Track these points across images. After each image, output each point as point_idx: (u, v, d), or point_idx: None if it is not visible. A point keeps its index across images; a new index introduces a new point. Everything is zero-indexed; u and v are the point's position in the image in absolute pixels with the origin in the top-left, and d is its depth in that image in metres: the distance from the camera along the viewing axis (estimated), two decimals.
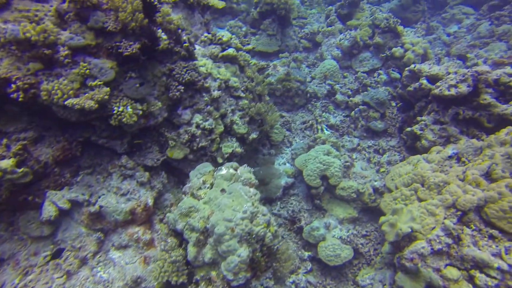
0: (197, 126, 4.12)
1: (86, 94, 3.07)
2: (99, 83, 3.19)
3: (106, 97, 3.17)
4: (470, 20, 10.57)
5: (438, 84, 5.31)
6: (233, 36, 4.66)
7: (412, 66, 5.88)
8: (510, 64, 6.97)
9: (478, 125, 4.92)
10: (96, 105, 3.05)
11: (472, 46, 8.81)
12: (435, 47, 9.32)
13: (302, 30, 8.31)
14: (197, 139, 4.12)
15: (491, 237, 3.61)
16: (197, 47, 4.47)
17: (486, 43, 8.57)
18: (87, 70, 3.12)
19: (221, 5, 5.01)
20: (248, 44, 4.92)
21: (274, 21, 7.28)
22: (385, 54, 7.06)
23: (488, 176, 4.04)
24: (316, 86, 6.78)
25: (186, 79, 3.91)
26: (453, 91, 4.91)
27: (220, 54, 4.44)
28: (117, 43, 3.32)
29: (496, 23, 9.39)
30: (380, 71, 7.08)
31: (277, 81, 6.37)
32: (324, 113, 6.46)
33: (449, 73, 5.44)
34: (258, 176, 5.47)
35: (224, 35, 4.56)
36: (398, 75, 6.76)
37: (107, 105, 3.32)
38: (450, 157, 4.66)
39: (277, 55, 7.48)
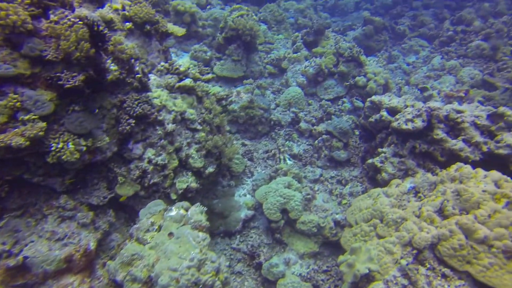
0: (149, 161, 3.89)
1: (16, 130, 2.78)
2: (33, 117, 2.91)
3: (41, 133, 2.90)
4: (425, 52, 11.19)
5: (397, 116, 5.44)
6: (192, 65, 4.52)
7: (374, 97, 6.02)
8: (458, 98, 7.34)
9: (433, 158, 5.05)
10: (27, 143, 2.77)
11: (427, 77, 9.27)
12: (396, 76, 9.72)
13: (268, 56, 8.36)
14: (149, 175, 3.88)
15: (444, 276, 3.61)
16: (152, 76, 4.29)
17: (439, 75, 9.04)
18: (18, 103, 2.84)
19: (181, 32, 4.90)
20: (208, 73, 4.80)
21: (240, 46, 7.26)
22: (349, 83, 7.22)
23: (441, 212, 4.09)
24: (280, 113, 6.76)
25: (138, 112, 3.71)
26: (410, 126, 5.03)
27: (177, 85, 4.29)
28: (58, 74, 3.07)
29: (446, 58, 9.98)
30: (344, 99, 7.21)
31: (240, 108, 6.28)
32: (287, 142, 6.42)
33: (406, 106, 5.60)
34: (217, 209, 5.27)
35: (182, 64, 4.42)
36: (361, 104, 6.91)
37: (44, 141, 3.04)
38: (408, 190, 4.71)
39: (242, 81, 7.43)
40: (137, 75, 3.80)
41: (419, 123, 4.97)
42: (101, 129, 3.50)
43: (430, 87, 8.31)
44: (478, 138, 4.80)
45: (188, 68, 4.44)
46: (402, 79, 9.58)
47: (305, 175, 5.88)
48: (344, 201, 5.57)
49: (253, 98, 6.44)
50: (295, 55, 7.97)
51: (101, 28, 3.34)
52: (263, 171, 5.96)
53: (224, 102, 6.30)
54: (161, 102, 4.05)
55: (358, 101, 6.91)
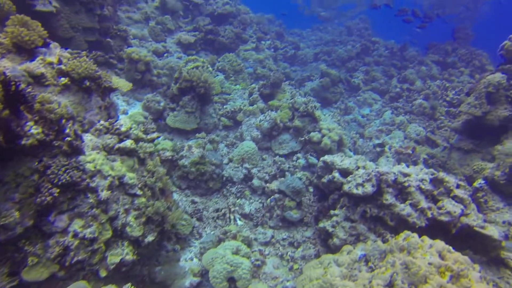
0: (75, 235, 3.44)
1: None
2: None
3: None
4: (378, 105, 11.88)
5: (348, 179, 5.46)
6: (134, 125, 4.25)
7: (326, 157, 6.06)
8: (407, 155, 7.67)
9: (383, 223, 5.05)
10: None
11: (380, 131, 9.70)
12: (351, 129, 10.07)
13: (224, 107, 8.33)
14: (72, 252, 3.40)
15: None
16: (89, 137, 3.95)
17: (390, 130, 9.52)
18: None
19: (126, 88, 4.67)
20: (154, 131, 4.55)
21: (194, 98, 7.15)
22: (303, 138, 7.27)
23: (391, 287, 3.98)
24: (233, 169, 6.57)
25: (64, 180, 3.31)
26: (360, 190, 5.04)
27: (116, 146, 3.97)
28: None
29: (395, 113, 10.62)
30: (298, 155, 7.22)
31: (190, 164, 6.02)
32: (239, 200, 6.19)
33: (358, 167, 5.67)
34: (159, 278, 4.80)
35: (124, 123, 4.14)
36: (315, 160, 6.94)
37: None
38: (359, 259, 4.59)
39: (195, 133, 7.24)
40: (66, 138, 3.45)
41: (369, 188, 5.00)
42: (12, 200, 3.05)
43: (383, 141, 8.65)
44: (423, 203, 4.89)
45: (130, 128, 4.17)
46: (357, 132, 9.95)
47: (256, 237, 5.61)
48: (295, 266, 5.33)
49: (204, 153, 6.23)
50: (250, 107, 8.01)
51: (21, 86, 3.02)
52: (212, 232, 5.61)
53: (179, 153, 6.04)
54: (95, 167, 3.69)
55: (312, 158, 6.95)
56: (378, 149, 8.34)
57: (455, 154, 7.63)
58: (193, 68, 7.08)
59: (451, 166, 7.52)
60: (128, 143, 4.02)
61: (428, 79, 12.42)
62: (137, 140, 4.23)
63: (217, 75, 9.25)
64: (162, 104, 7.19)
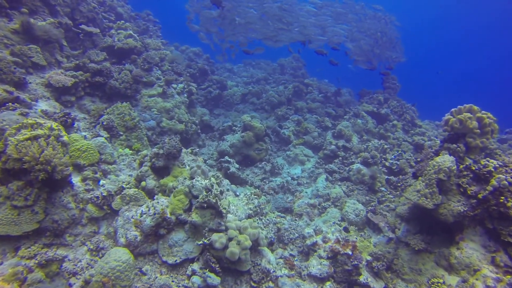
0: None
1: None
2: None
3: None
4: (311, 163, 10.41)
5: None
6: None
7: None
8: (345, 256, 5.99)
9: None
10: None
11: (312, 206, 8.01)
12: (277, 203, 8.23)
13: (99, 185, 5.91)
14: None
15: None
16: None
17: (324, 207, 7.89)
18: None
19: None
20: None
21: (32, 184, 4.65)
22: (202, 242, 5.14)
23: None
24: None
25: None
26: None
27: None
28: None
29: (330, 179, 9.14)
30: (194, 266, 5.05)
31: None
32: None
33: None
34: None
35: None
36: (217, 280, 4.81)
37: None
38: None
39: (35, 237, 4.70)
40: None
41: None
42: None
43: (315, 229, 6.90)
44: None
45: None
46: (284, 207, 8.11)
47: None
48: None
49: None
50: (131, 191, 5.71)
51: None
52: None
53: None
54: None
55: (211, 277, 4.81)
56: (308, 242, 6.54)
57: (403, 251, 6.12)
58: (28, 140, 4.62)
59: (399, 269, 5.97)
60: None
61: (364, 133, 11.39)
62: None
63: (96, 138, 6.81)
64: None
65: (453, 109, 6.23)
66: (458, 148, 5.82)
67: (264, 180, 9.37)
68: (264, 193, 8.71)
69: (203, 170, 6.08)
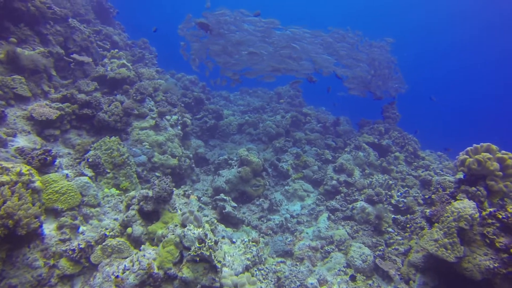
0: None
1: None
2: None
3: None
4: (311, 200, 9.82)
5: None
6: None
7: None
8: None
9: None
10: None
11: (314, 249, 7.37)
12: (276, 246, 7.57)
13: (79, 232, 5.27)
14: None
15: None
16: None
17: (327, 252, 7.25)
18: None
19: None
20: None
21: None
22: None
23: None
24: None
25: None
26: None
27: None
28: None
29: (332, 218, 8.55)
30: None
31: None
32: None
33: None
34: None
35: None
36: None
37: None
38: None
39: None
40: None
41: None
42: None
43: (319, 279, 6.24)
44: None
45: None
46: (283, 250, 7.45)
47: None
48: None
49: None
50: (114, 242, 5.08)
51: None
52: None
53: None
54: None
55: None
56: None
57: None
58: None
59: None
60: None
61: (366, 167, 10.90)
62: None
63: (79, 177, 6.24)
64: None
65: (468, 148, 5.78)
66: (479, 192, 5.31)
67: (262, 219, 8.74)
68: (262, 234, 8.07)
69: (195, 217, 5.48)
